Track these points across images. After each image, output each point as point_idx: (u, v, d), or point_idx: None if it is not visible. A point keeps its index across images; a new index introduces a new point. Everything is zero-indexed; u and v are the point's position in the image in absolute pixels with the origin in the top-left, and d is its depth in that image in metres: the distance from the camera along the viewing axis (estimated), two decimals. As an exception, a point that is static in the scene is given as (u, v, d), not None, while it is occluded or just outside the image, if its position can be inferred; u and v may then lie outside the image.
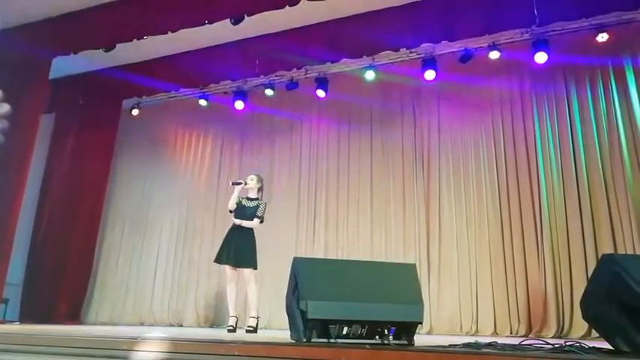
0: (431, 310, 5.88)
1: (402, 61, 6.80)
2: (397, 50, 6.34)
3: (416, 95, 6.92)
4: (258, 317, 5.00)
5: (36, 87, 6.63)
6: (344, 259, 6.30)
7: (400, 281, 2.82)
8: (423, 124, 6.77)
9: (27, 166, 6.40)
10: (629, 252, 5.20)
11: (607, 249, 5.26)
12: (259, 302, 5.47)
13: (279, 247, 6.85)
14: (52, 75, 6.77)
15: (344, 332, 2.55)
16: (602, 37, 5.78)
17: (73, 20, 6.26)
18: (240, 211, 5.05)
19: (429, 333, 5.84)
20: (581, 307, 2.53)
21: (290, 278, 2.75)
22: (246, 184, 5.16)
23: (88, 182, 7.52)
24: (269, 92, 7.38)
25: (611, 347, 2.28)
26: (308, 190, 7.18)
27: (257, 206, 5.08)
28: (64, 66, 6.95)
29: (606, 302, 2.27)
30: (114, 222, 8.19)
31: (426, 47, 6.40)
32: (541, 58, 5.95)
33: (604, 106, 5.86)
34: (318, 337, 2.54)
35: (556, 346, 2.21)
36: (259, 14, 5.54)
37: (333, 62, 6.57)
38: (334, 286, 2.65)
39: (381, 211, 6.66)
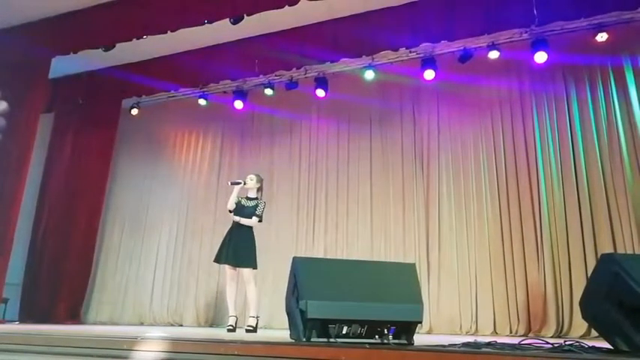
0: (430, 309, 5.88)
1: (401, 60, 6.80)
2: (396, 50, 6.33)
3: (415, 95, 6.92)
4: (257, 317, 4.99)
5: (35, 86, 6.64)
6: (344, 258, 6.30)
7: (400, 281, 2.82)
8: (423, 124, 6.78)
9: (26, 165, 6.40)
10: (629, 250, 5.20)
11: (606, 246, 5.27)
12: (259, 302, 5.47)
13: (278, 247, 6.87)
14: (51, 74, 6.78)
15: (343, 332, 2.55)
16: (602, 37, 5.78)
17: (73, 20, 6.26)
18: (240, 211, 5.04)
19: (428, 333, 5.85)
20: (580, 306, 2.53)
21: (289, 278, 2.76)
22: (245, 183, 5.15)
23: (87, 182, 7.51)
24: (268, 92, 7.38)
25: (610, 346, 2.28)
26: (307, 189, 7.18)
27: (256, 205, 5.07)
28: (63, 65, 6.95)
29: (606, 302, 2.27)
30: (113, 221, 8.19)
31: (425, 47, 6.40)
32: (541, 57, 5.95)
33: (603, 105, 5.86)
34: (318, 337, 2.54)
35: (555, 345, 2.21)
36: (259, 14, 5.53)
37: (332, 62, 6.57)
38: (334, 285, 2.65)
39: (381, 211, 6.66)
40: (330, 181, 7.08)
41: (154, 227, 7.92)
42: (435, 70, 6.45)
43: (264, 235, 6.39)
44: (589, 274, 3.57)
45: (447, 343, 2.43)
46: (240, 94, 7.59)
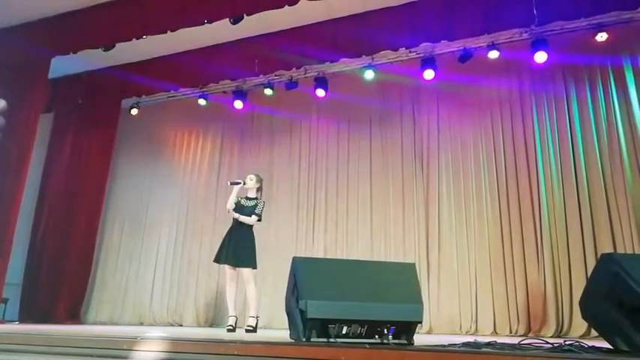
0: (430, 309, 5.88)
1: (401, 60, 6.81)
2: (396, 50, 6.33)
3: (415, 95, 6.92)
4: (257, 317, 4.99)
5: (35, 86, 6.64)
6: (343, 258, 6.30)
7: (400, 281, 2.82)
8: (422, 124, 6.78)
9: (26, 165, 6.40)
10: (629, 251, 5.20)
11: (606, 247, 5.27)
12: (259, 302, 5.47)
13: (278, 247, 6.87)
14: (51, 74, 6.78)
15: (343, 332, 2.55)
16: (602, 37, 5.78)
17: (72, 20, 6.26)
18: (239, 211, 5.04)
19: (428, 332, 5.85)
20: (580, 306, 2.53)
21: (289, 278, 2.76)
22: (244, 183, 5.15)
23: (87, 182, 7.51)
24: (268, 92, 7.38)
25: (610, 346, 2.28)
26: (307, 189, 7.18)
27: (255, 205, 5.07)
28: (63, 65, 6.96)
29: (606, 301, 2.27)
30: (113, 221, 8.18)
31: (425, 47, 6.40)
32: (540, 57, 5.95)
33: (603, 105, 5.86)
34: (318, 337, 2.54)
35: (555, 345, 2.21)
36: (258, 14, 5.53)
37: (332, 62, 6.57)
38: (333, 285, 2.65)
39: (381, 211, 6.66)
40: (330, 181, 7.08)
41: (154, 227, 7.92)
42: (434, 70, 6.45)
43: (264, 234, 6.39)
44: (588, 274, 3.57)
45: (446, 343, 2.43)
46: (240, 94, 7.59)
